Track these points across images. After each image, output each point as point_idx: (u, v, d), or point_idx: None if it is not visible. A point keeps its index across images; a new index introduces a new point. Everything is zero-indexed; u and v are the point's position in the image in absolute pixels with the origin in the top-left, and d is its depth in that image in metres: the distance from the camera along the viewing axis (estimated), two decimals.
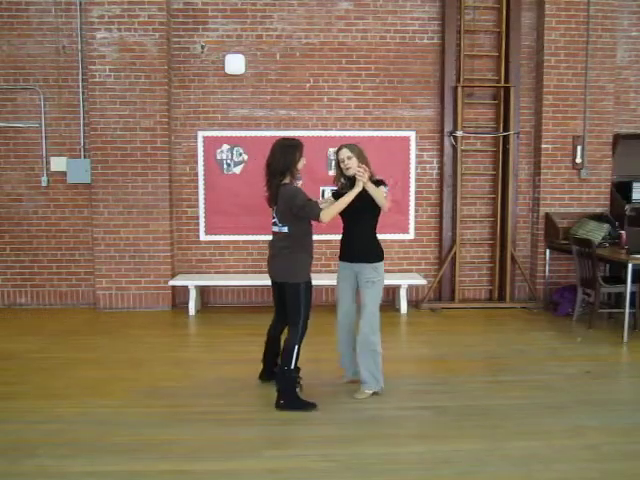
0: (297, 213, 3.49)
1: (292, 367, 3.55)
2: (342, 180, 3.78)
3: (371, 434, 3.27)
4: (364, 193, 3.54)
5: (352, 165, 3.62)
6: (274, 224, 3.65)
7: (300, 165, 3.61)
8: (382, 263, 3.75)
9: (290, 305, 3.59)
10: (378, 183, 3.65)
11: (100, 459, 2.96)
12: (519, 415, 3.52)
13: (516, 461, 2.95)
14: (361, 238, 3.73)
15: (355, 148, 3.72)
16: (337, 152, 3.74)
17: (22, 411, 3.58)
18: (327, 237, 6.15)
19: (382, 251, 3.77)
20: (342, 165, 3.71)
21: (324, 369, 4.24)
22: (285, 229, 3.56)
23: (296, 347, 3.56)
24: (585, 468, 2.89)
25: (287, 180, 3.57)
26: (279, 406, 3.55)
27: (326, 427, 3.35)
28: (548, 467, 2.89)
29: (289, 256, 3.57)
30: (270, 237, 3.76)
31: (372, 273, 3.68)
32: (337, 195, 3.77)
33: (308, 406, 3.56)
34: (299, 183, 3.73)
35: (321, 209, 3.49)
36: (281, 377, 3.58)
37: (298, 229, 3.57)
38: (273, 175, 3.55)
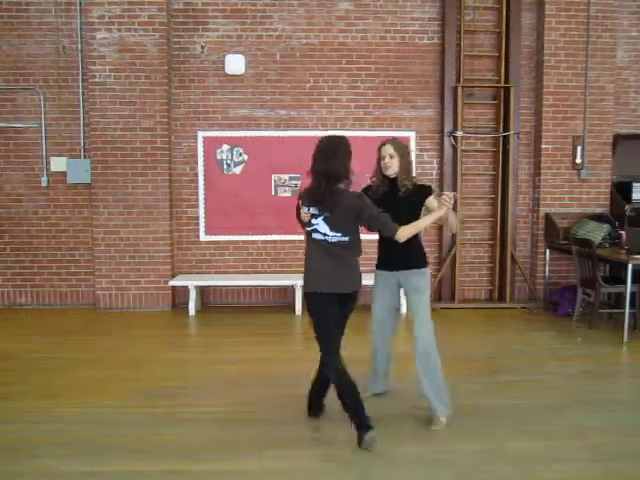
0: (369, 225, 3.15)
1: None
2: (381, 177, 3.41)
3: None
4: (404, 196, 3.32)
5: (392, 165, 3.33)
6: (315, 231, 3.16)
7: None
8: (428, 269, 3.51)
9: (344, 319, 3.29)
10: (423, 189, 3.37)
11: (100, 459, 2.96)
12: (519, 415, 3.52)
13: (516, 461, 2.95)
14: (406, 244, 3.28)
15: (400, 146, 3.37)
16: (380, 148, 3.39)
17: (22, 411, 3.58)
18: None
19: (426, 256, 3.52)
20: (382, 163, 3.36)
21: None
22: (346, 238, 3.14)
23: None
24: (585, 468, 2.89)
25: (342, 185, 3.13)
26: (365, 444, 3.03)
27: (326, 427, 3.35)
28: (548, 467, 2.89)
29: (354, 264, 3.23)
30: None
31: (420, 279, 3.42)
32: (367, 194, 3.36)
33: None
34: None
35: (397, 225, 3.13)
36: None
37: (358, 237, 3.23)
38: (328, 179, 3.06)
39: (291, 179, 6.59)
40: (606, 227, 5.93)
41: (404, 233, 3.14)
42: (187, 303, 6.32)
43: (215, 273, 6.68)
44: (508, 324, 5.90)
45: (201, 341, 5.53)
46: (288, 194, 6.59)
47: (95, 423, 3.40)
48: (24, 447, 3.10)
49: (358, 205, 3.09)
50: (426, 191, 3.38)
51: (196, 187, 6.61)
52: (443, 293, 6.71)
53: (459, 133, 6.47)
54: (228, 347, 5.05)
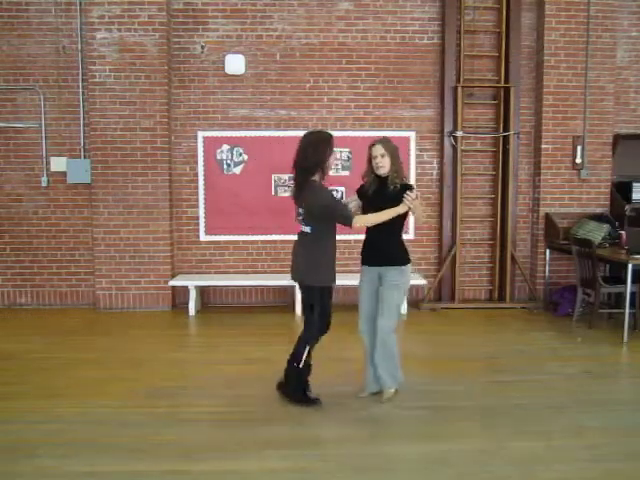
0: (325, 214, 3.35)
1: (301, 366, 3.56)
2: (372, 175, 3.57)
3: (371, 434, 3.27)
4: (393, 194, 3.42)
5: (384, 164, 3.46)
6: (301, 221, 3.50)
7: (331, 160, 3.45)
8: (409, 266, 3.61)
9: (304, 305, 3.59)
10: (406, 187, 3.48)
11: (100, 459, 2.96)
12: (519, 415, 3.52)
13: (516, 461, 2.95)
14: (388, 242, 3.52)
15: (390, 146, 3.51)
16: (370, 147, 3.53)
17: (22, 411, 3.58)
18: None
19: (408, 254, 3.62)
20: (373, 162, 3.51)
21: (325, 368, 4.23)
22: (308, 229, 3.43)
23: (307, 347, 3.55)
24: (585, 468, 2.89)
25: (316, 177, 3.39)
26: (286, 393, 3.63)
27: (326, 427, 3.35)
28: (548, 467, 2.89)
29: (307, 257, 3.45)
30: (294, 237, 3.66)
31: (397, 276, 3.53)
32: (361, 192, 3.66)
33: (314, 402, 3.60)
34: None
35: (353, 214, 3.36)
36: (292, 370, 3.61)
37: (320, 230, 3.42)
38: (301, 172, 3.38)
39: (291, 179, 6.57)
40: (606, 227, 5.93)
41: (361, 221, 3.37)
42: (187, 303, 6.32)
43: (215, 273, 6.68)
44: (508, 324, 5.90)
45: (201, 341, 5.53)
46: (288, 194, 6.58)
47: (95, 423, 3.40)
48: (24, 447, 3.10)
49: (317, 196, 3.33)
50: (406, 187, 3.49)
51: (196, 187, 6.61)
52: (443, 293, 6.70)
53: (459, 133, 6.46)
54: (228, 347, 5.05)
